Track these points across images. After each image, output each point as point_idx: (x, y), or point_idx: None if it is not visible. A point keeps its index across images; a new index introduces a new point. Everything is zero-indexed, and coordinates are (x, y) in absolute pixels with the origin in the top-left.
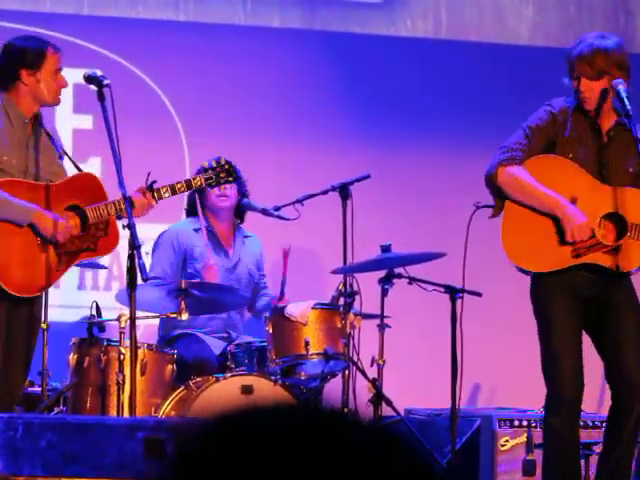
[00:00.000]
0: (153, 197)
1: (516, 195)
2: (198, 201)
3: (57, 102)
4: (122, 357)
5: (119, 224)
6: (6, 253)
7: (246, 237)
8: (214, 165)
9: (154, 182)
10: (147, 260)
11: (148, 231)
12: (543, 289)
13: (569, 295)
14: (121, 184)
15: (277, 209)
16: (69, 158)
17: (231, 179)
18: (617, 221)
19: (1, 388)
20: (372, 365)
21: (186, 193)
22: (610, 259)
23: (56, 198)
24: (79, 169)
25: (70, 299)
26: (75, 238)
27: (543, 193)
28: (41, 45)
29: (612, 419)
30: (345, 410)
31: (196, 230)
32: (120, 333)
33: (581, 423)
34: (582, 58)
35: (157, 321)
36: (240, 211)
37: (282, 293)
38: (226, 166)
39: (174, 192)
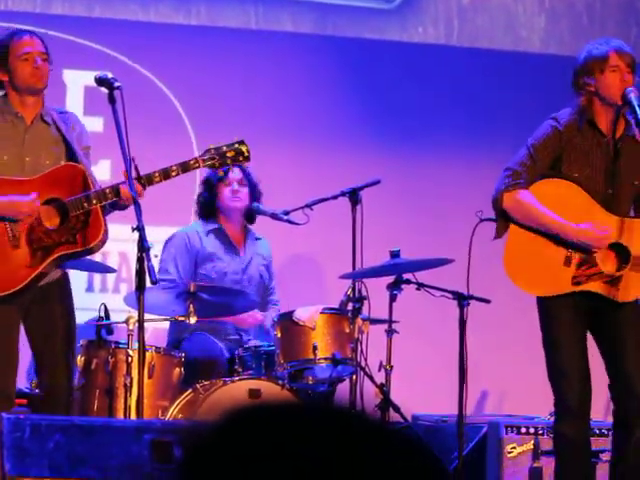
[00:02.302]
0: (142, 184)
1: (522, 220)
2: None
3: (35, 84)
4: (130, 360)
5: (128, 227)
6: None
7: (257, 239)
8: (221, 145)
9: (137, 167)
10: (156, 263)
11: (157, 234)
12: (547, 303)
13: (572, 307)
14: (131, 187)
15: (286, 213)
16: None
17: (241, 159)
18: (620, 251)
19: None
20: (380, 370)
21: (195, 195)
22: (609, 289)
23: (35, 191)
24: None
25: (78, 301)
26: (52, 232)
27: (549, 217)
28: (4, 40)
29: (617, 427)
30: (354, 410)
31: (207, 233)
32: (128, 336)
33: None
34: (595, 57)
35: (165, 324)
36: (250, 215)
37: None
38: (236, 145)
39: (167, 177)
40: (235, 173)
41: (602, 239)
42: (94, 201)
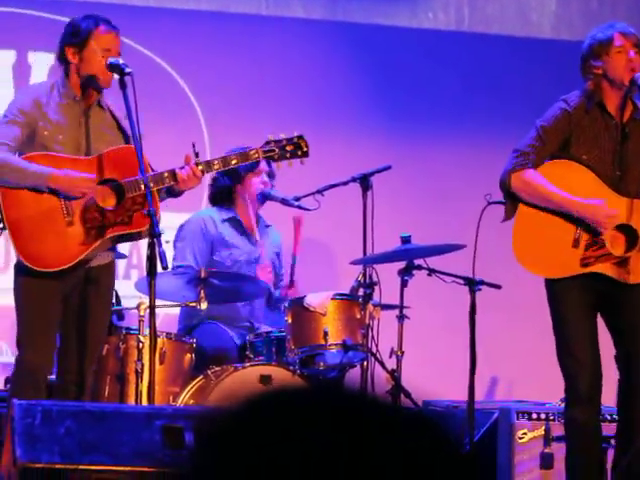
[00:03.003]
0: (201, 170)
1: (530, 199)
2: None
3: (101, 84)
4: (141, 346)
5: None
6: (30, 227)
7: (267, 226)
8: (281, 138)
9: (197, 153)
10: (167, 249)
11: (169, 220)
12: (557, 286)
13: (581, 289)
14: (142, 171)
15: (297, 199)
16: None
17: (300, 154)
18: (628, 233)
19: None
20: (391, 356)
21: (209, 181)
22: (617, 270)
23: (90, 171)
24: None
25: None
26: (107, 212)
27: (557, 194)
28: (89, 24)
29: (623, 408)
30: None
31: (223, 221)
32: (139, 321)
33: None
34: (600, 41)
35: (176, 310)
36: (260, 200)
37: (292, 278)
38: (296, 139)
39: (226, 165)
40: (264, 164)
41: (611, 217)
42: (151, 184)
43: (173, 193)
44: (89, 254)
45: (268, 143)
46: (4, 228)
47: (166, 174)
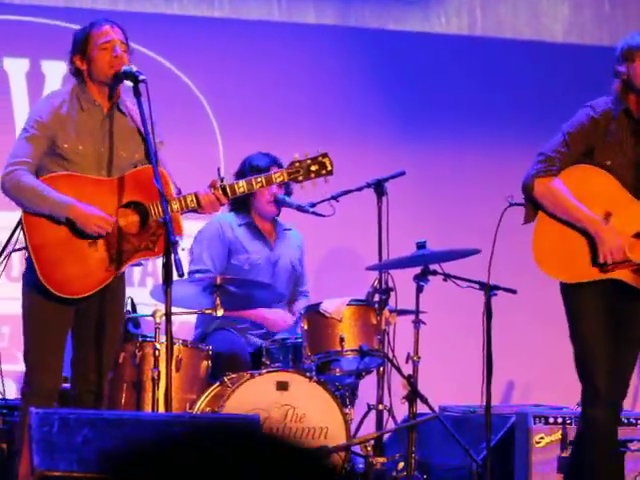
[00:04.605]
0: (225, 194)
1: (551, 208)
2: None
3: (111, 73)
4: (157, 353)
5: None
6: (53, 253)
7: (286, 230)
8: (305, 158)
9: (223, 178)
10: (183, 256)
11: (186, 227)
12: (574, 289)
13: (598, 294)
14: (157, 180)
15: (312, 205)
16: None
17: (324, 172)
18: None
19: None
20: (407, 362)
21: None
22: (637, 278)
23: (114, 192)
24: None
25: None
26: (131, 236)
27: (578, 210)
28: (85, 29)
29: None
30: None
31: (240, 225)
32: (155, 329)
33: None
34: (630, 46)
35: (192, 317)
36: (276, 207)
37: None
38: (320, 158)
39: (250, 188)
40: None
41: (613, 255)
42: (175, 207)
43: (196, 212)
44: (113, 280)
45: (293, 164)
46: (25, 249)
47: (190, 198)
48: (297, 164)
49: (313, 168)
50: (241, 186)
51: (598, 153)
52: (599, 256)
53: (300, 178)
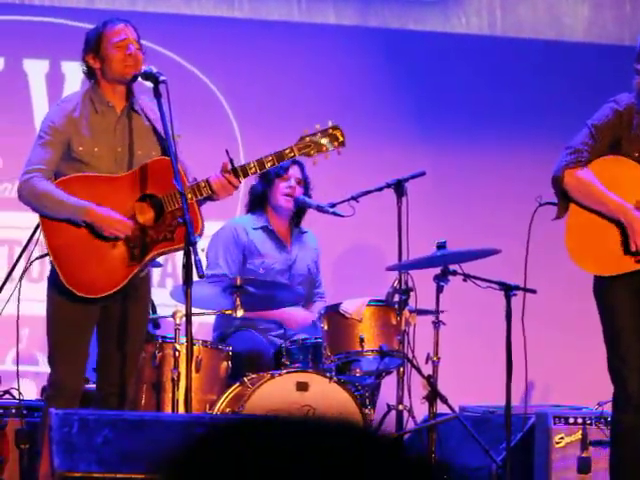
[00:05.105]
0: (237, 175)
1: (582, 199)
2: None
3: (125, 71)
4: (177, 354)
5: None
6: (73, 253)
7: (302, 233)
8: (315, 131)
9: (232, 160)
10: (203, 256)
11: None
12: (606, 288)
13: (633, 294)
14: (177, 179)
15: (332, 206)
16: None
17: (336, 144)
18: None
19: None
20: (427, 362)
21: (245, 189)
22: None
23: (128, 188)
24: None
25: None
26: (149, 229)
27: (610, 199)
28: (98, 27)
29: None
30: (368, 432)
31: (255, 229)
32: (175, 330)
33: None
34: None
35: (212, 318)
36: (298, 210)
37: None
38: (330, 130)
39: (262, 167)
40: (295, 171)
41: None
42: (189, 196)
43: (213, 199)
44: (136, 274)
45: (302, 139)
46: (48, 255)
47: (203, 184)
48: (307, 138)
49: (324, 141)
50: (252, 166)
51: (625, 145)
52: (631, 245)
53: (312, 152)
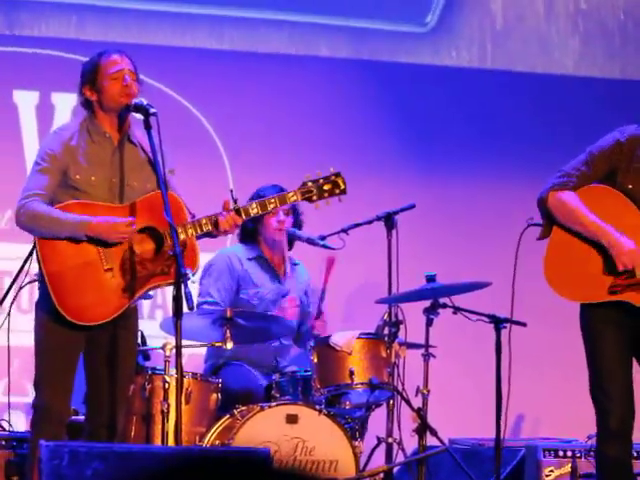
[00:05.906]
0: (239, 214)
1: (564, 220)
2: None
3: (122, 102)
4: (167, 386)
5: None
6: (69, 280)
7: (294, 265)
8: (318, 177)
9: (236, 200)
10: (193, 289)
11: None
12: (590, 318)
13: (616, 324)
14: (167, 212)
15: (322, 238)
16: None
17: (337, 192)
18: None
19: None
20: (417, 395)
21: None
22: None
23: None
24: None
25: None
26: (146, 261)
27: (590, 221)
28: (94, 59)
29: None
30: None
31: (249, 259)
32: (165, 362)
33: None
34: None
35: (202, 350)
36: (288, 240)
37: (319, 309)
38: (333, 177)
39: (264, 209)
40: None
41: (635, 264)
42: (190, 231)
43: (212, 235)
44: (129, 306)
45: (305, 184)
46: (42, 280)
47: (204, 221)
48: (310, 184)
49: (326, 187)
50: (254, 207)
51: (620, 176)
52: (618, 266)
53: (314, 198)
